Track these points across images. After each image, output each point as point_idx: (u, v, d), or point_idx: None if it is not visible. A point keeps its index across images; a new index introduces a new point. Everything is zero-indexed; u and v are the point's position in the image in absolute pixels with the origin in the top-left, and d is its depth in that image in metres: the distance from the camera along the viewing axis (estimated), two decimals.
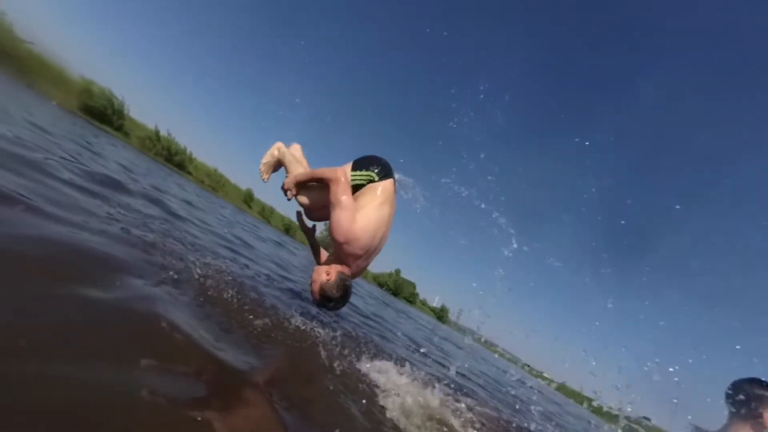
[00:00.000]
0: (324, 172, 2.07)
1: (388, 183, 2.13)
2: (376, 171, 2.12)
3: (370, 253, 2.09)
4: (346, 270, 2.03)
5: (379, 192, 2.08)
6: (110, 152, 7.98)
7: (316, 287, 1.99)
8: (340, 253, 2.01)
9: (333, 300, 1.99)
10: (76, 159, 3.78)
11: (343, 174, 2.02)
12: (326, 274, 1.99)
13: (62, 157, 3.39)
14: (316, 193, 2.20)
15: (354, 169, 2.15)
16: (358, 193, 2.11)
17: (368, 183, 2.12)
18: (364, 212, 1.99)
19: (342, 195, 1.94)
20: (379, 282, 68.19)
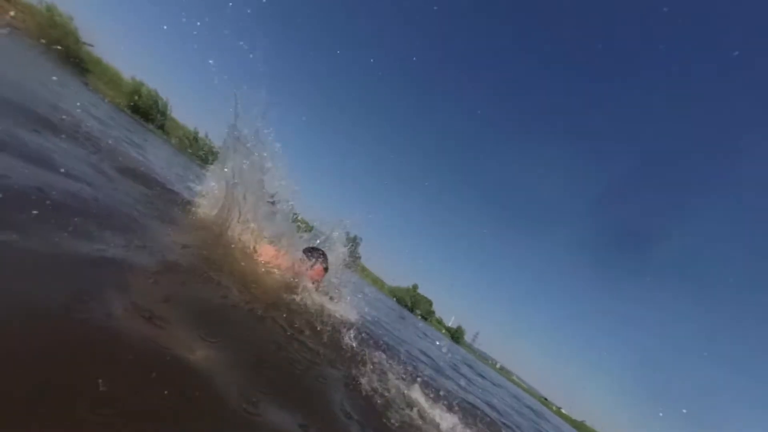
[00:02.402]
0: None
1: None
2: None
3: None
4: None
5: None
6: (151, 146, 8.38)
7: (310, 266, 2.98)
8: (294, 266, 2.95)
9: (316, 250, 3.09)
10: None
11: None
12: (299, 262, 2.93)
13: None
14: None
15: None
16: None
17: None
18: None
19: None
20: (396, 296, 67.37)
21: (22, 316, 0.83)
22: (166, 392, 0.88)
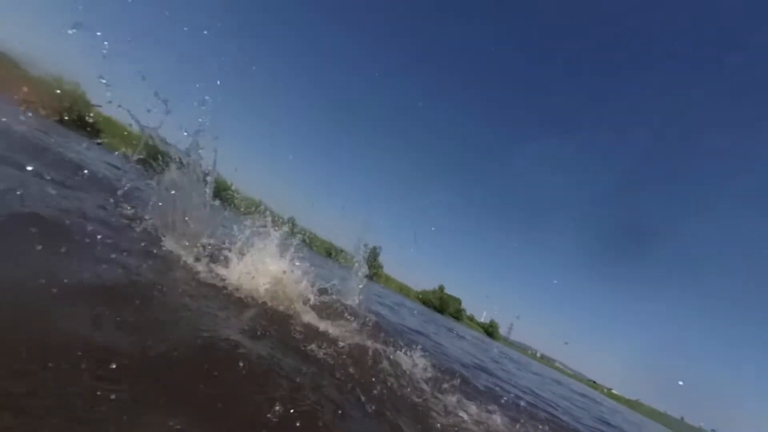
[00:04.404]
0: None
1: None
2: None
3: None
4: None
5: None
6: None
7: None
8: None
9: None
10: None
11: None
12: None
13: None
14: None
15: None
16: None
17: None
18: None
19: None
20: (423, 299, 66.65)
21: None
22: None
